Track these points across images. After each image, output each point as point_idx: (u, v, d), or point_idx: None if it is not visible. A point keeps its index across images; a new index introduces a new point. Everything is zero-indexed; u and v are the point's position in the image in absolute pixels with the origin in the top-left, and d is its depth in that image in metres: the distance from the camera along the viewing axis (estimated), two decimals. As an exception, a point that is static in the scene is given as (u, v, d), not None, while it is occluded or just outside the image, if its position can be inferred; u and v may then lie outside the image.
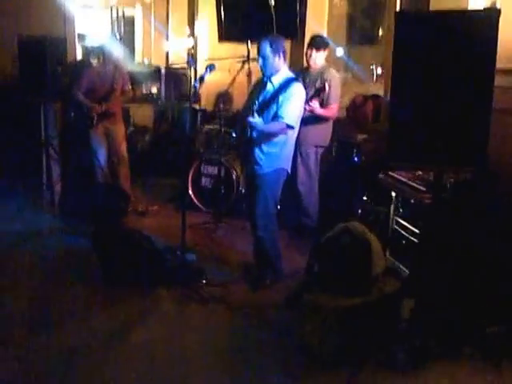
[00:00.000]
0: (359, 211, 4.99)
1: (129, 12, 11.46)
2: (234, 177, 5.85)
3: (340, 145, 5.51)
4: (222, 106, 5.77)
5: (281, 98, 4.03)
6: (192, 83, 4.44)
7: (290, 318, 3.69)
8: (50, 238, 5.25)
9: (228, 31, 6.72)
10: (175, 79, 7.33)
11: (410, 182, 4.11)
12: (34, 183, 6.28)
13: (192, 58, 8.34)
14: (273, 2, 5.87)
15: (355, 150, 5.35)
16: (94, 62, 6.13)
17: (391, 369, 3.26)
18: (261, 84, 4.27)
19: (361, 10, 6.92)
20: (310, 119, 5.01)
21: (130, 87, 6.00)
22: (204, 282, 4.30)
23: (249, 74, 5.96)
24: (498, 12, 2.70)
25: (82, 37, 8.58)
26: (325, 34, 6.49)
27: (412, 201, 4.11)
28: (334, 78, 5.19)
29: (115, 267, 4.30)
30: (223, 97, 5.56)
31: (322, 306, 3.36)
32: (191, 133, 6.45)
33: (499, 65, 2.82)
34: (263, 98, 4.16)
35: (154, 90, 7.81)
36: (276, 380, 3.19)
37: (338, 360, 3.32)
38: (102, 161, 5.97)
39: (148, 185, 6.91)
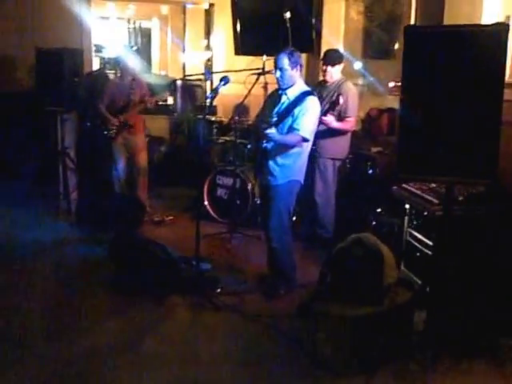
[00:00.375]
0: (373, 223, 5.09)
1: (145, 24, 11.72)
2: (249, 188, 6.00)
3: (355, 157, 5.63)
4: (237, 117, 5.92)
5: (296, 110, 4.17)
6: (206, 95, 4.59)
7: (302, 327, 3.79)
8: (67, 246, 5.43)
9: (244, 44, 6.90)
10: (191, 91, 7.52)
11: (424, 195, 4.18)
12: (50, 192, 6.50)
13: (208, 70, 8.54)
14: (288, 16, 6.03)
15: (370, 163, 5.48)
16: (111, 73, 6.34)
17: (403, 380, 3.34)
18: (275, 96, 4.42)
19: (378, 24, 7.05)
20: (327, 132, 5.15)
21: (150, 98, 6.17)
22: (218, 290, 4.44)
23: (265, 87, 6.12)
24: (507, 27, 2.82)
25: (98, 48, 8.84)
26: (341, 48, 6.63)
27: (425, 213, 4.22)
28: (351, 90, 5.30)
29: (131, 275, 4.46)
30: (239, 109, 5.71)
31: (333, 315, 3.48)
32: (206, 144, 6.63)
33: (508, 79, 2.94)
34: (278, 111, 4.30)
35: (170, 101, 8.00)
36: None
37: (351, 369, 3.41)
38: (121, 171, 6.17)
39: (164, 195, 7.08)
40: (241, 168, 6.10)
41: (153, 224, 6.10)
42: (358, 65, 6.71)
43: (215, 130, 6.90)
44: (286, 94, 4.30)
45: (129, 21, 11.53)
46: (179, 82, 7.72)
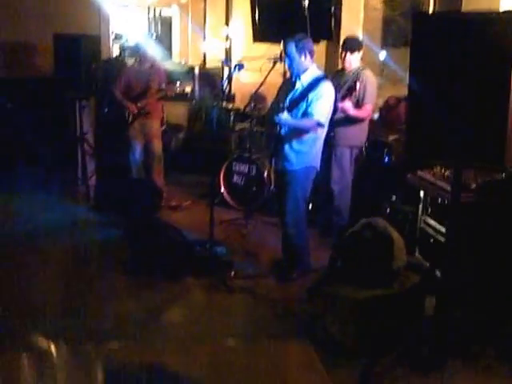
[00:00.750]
0: (387, 210, 5.21)
1: (165, 12, 11.84)
2: (265, 175, 6.14)
3: (371, 145, 5.72)
4: (253, 104, 6.07)
5: (310, 96, 4.28)
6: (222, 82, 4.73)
7: (313, 309, 3.95)
8: (85, 229, 5.67)
9: (262, 32, 7.01)
10: (209, 79, 7.66)
11: (438, 182, 4.28)
12: (69, 177, 6.73)
13: (227, 58, 8.68)
14: (307, 3, 6.14)
15: (386, 150, 5.57)
16: (130, 60, 6.52)
17: (411, 365, 3.43)
18: (289, 83, 4.54)
19: (400, 13, 7.13)
20: (344, 120, 5.21)
21: (168, 85, 6.34)
22: (232, 273, 4.61)
23: (284, 74, 6.24)
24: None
25: (118, 36, 9.01)
26: (360, 36, 6.73)
27: (439, 200, 4.34)
28: (369, 78, 5.34)
29: (146, 257, 4.65)
30: (255, 96, 5.85)
31: (342, 296, 3.62)
32: (223, 132, 6.79)
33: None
34: (292, 97, 4.41)
35: (188, 89, 8.17)
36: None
37: (358, 350, 3.54)
38: (138, 156, 6.37)
39: (182, 182, 7.25)
40: (257, 155, 6.25)
41: (170, 209, 6.27)
42: (382, 55, 6.75)
43: (232, 118, 7.04)
44: (299, 80, 4.40)
45: (149, 9, 11.68)
46: (197, 70, 7.87)
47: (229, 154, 6.63)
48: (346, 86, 5.23)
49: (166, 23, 11.88)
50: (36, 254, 4.98)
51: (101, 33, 7.39)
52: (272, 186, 6.02)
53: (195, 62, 9.12)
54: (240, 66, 4.63)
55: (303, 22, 6.18)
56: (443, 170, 4.34)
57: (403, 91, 6.49)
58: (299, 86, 4.42)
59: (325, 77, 4.48)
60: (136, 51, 6.62)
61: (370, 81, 5.33)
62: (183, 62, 8.82)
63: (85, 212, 6.14)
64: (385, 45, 7.11)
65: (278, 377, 3.35)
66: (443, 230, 4.21)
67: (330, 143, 5.06)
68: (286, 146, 4.43)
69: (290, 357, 3.59)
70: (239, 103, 7.66)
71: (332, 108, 4.52)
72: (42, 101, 7.10)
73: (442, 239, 4.20)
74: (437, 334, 3.54)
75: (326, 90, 4.35)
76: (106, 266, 4.79)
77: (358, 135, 5.48)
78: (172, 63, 8.32)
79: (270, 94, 5.89)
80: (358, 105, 5.28)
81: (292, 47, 4.32)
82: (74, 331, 3.74)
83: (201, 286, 4.47)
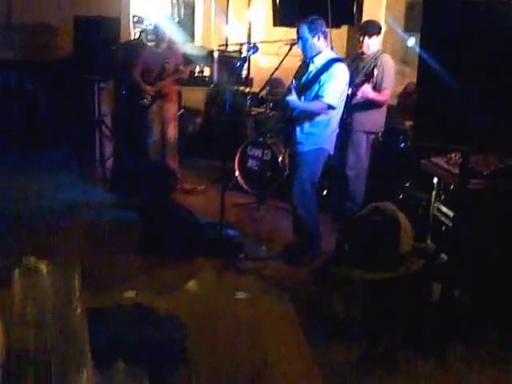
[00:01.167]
0: (400, 197, 5.29)
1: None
2: (280, 160, 6.25)
3: (387, 130, 5.77)
4: (268, 89, 6.16)
5: (322, 77, 4.34)
6: (237, 64, 4.82)
7: (319, 291, 4.08)
8: (100, 210, 5.85)
9: (283, 15, 7.10)
10: (228, 63, 7.73)
11: (451, 168, 4.33)
12: (88, 159, 6.93)
13: (248, 42, 8.75)
14: (328, -13, 6.19)
15: (402, 137, 5.64)
16: (148, 42, 6.66)
17: (413, 348, 3.54)
18: (304, 65, 4.63)
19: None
20: (361, 105, 5.27)
21: (184, 67, 6.48)
22: (242, 255, 4.76)
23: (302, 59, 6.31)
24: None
25: (141, 19, 9.14)
26: (382, 21, 6.76)
27: (451, 187, 4.41)
28: (388, 63, 5.37)
29: (159, 237, 4.82)
30: (272, 80, 5.94)
31: (349, 277, 3.74)
32: (240, 116, 6.90)
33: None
34: (306, 79, 4.50)
35: (207, 73, 8.29)
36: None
37: (361, 331, 3.65)
38: (154, 138, 6.54)
39: (198, 166, 7.40)
40: (272, 140, 6.35)
41: (184, 193, 6.44)
42: (411, 41, 6.74)
43: (249, 102, 7.15)
44: (312, 63, 4.47)
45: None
46: (216, 54, 7.96)
47: (245, 138, 6.75)
48: (363, 71, 5.29)
49: (189, 7, 12.00)
50: (51, 234, 5.15)
51: (121, 15, 7.54)
52: (287, 172, 6.14)
53: (218, 46, 9.21)
54: (254, 48, 4.72)
55: (324, 6, 6.22)
56: (458, 157, 4.40)
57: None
58: (313, 68, 4.48)
59: (339, 59, 4.52)
60: (154, 33, 6.77)
61: (388, 65, 5.36)
62: (203, 46, 8.91)
63: (101, 193, 6.34)
64: (407, 30, 7.14)
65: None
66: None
67: (346, 129, 5.13)
68: (298, 129, 4.51)
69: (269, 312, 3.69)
70: (257, 88, 7.73)
71: (346, 90, 4.57)
72: (62, 83, 7.31)
73: (454, 225, 4.27)
74: (440, 319, 3.63)
75: (339, 71, 4.39)
76: (119, 245, 4.97)
77: (374, 121, 5.52)
78: (192, 46, 8.42)
79: (288, 79, 5.99)
80: (376, 90, 5.31)
81: (305, 29, 4.39)
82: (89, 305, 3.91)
83: (210, 266, 4.63)
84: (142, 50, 6.85)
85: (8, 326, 1.16)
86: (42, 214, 5.61)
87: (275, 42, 5.88)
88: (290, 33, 6.32)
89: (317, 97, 4.38)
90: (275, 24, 7.27)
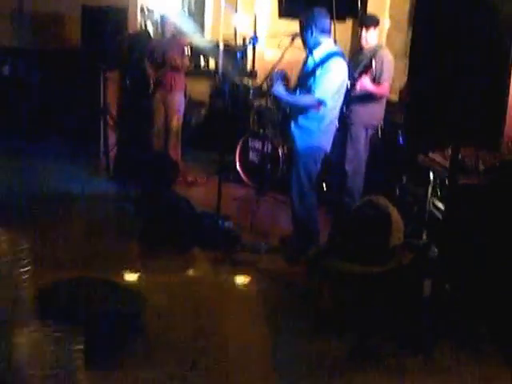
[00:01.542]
0: (397, 192, 5.32)
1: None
2: (280, 153, 6.30)
3: (386, 125, 5.79)
4: (268, 81, 6.18)
5: (318, 71, 4.30)
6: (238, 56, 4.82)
7: (311, 284, 4.15)
8: (101, 200, 5.94)
9: (288, 7, 7.11)
10: (232, 55, 7.76)
11: (447, 164, 4.40)
12: (92, 149, 7.01)
13: (255, 34, 8.77)
14: (333, -21, 6.19)
15: (400, 132, 5.66)
16: (153, 32, 6.73)
17: (400, 343, 3.58)
18: (305, 59, 4.60)
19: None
20: (360, 98, 5.24)
21: (186, 59, 6.54)
22: (238, 248, 4.82)
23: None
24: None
25: (151, 11, 9.20)
26: (386, 16, 6.78)
27: (447, 182, 4.43)
28: (387, 56, 5.35)
29: (156, 227, 4.91)
30: (272, 73, 5.96)
31: (339, 271, 3.80)
32: (242, 108, 6.94)
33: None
34: (304, 72, 4.49)
35: (212, 65, 8.33)
36: (286, 337, 3.67)
37: (350, 324, 3.72)
38: (157, 129, 6.63)
39: (201, 158, 7.45)
40: (273, 132, 6.39)
41: (185, 184, 6.51)
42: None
43: (251, 94, 7.19)
44: (311, 56, 4.42)
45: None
46: (221, 46, 8.00)
47: (247, 130, 6.81)
48: (362, 64, 5.29)
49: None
50: (52, 222, 5.24)
51: (129, 6, 7.58)
52: (286, 164, 6.18)
53: (226, 38, 9.23)
54: (254, 40, 4.72)
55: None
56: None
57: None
58: (311, 61, 4.42)
59: (338, 53, 4.45)
60: (160, 23, 6.83)
61: (386, 59, 5.34)
62: (210, 38, 8.96)
63: (103, 183, 6.42)
64: (412, 25, 7.11)
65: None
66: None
67: (344, 123, 5.14)
68: (292, 124, 4.51)
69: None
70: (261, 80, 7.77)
71: (343, 85, 4.53)
72: (69, 72, 7.36)
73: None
74: (429, 315, 3.65)
75: (334, 66, 4.32)
76: (117, 234, 5.08)
77: (373, 115, 5.49)
78: (198, 38, 8.46)
79: (295, 72, 6.02)
80: (375, 82, 5.28)
81: (305, 21, 4.38)
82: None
83: (206, 257, 4.72)
84: (148, 40, 6.92)
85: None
86: (44, 203, 5.71)
87: (282, 34, 5.91)
88: (295, 25, 6.38)
89: (309, 91, 4.36)
90: (280, 16, 7.28)
